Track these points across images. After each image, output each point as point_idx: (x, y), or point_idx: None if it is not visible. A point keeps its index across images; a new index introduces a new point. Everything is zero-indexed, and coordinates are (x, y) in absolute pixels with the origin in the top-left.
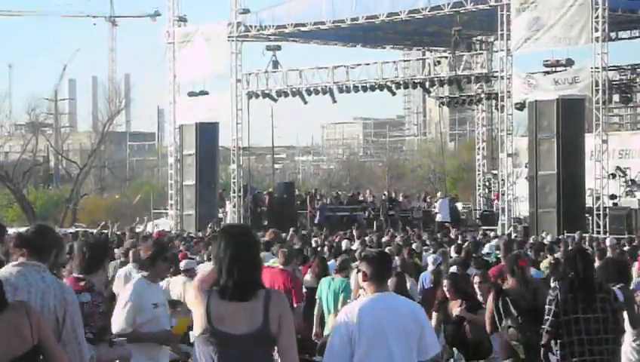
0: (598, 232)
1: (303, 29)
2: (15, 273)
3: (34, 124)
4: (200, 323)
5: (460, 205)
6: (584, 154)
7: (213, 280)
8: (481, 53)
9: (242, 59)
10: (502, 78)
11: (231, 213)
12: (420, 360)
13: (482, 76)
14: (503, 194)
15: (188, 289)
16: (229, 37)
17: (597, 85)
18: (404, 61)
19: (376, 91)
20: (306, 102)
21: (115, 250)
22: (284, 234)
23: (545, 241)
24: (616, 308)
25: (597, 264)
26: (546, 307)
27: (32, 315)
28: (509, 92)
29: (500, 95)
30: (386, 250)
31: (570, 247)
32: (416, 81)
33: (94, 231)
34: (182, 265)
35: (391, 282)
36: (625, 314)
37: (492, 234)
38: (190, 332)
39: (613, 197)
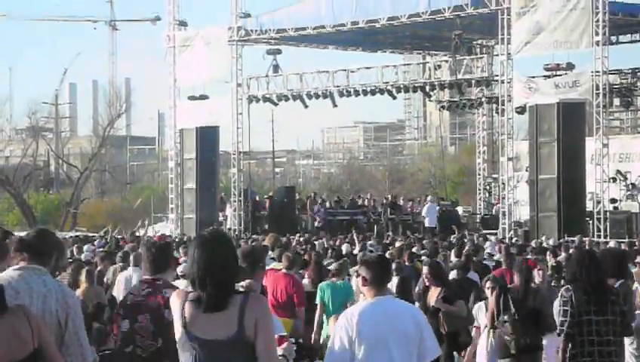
0: (599, 236)
1: (303, 33)
2: (16, 277)
3: (34, 128)
4: (177, 327)
5: (460, 209)
6: (585, 158)
7: None
8: (482, 57)
9: (243, 64)
10: (502, 81)
11: (231, 217)
12: None
13: (483, 80)
14: (503, 198)
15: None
16: (229, 41)
17: (597, 89)
18: (405, 65)
19: (377, 95)
20: (306, 106)
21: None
22: (284, 239)
23: (545, 245)
24: (625, 311)
25: None
26: (560, 308)
27: (32, 319)
28: (509, 96)
29: (500, 99)
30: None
31: (570, 250)
32: (416, 85)
33: (95, 234)
34: (179, 269)
35: (397, 284)
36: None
37: (493, 238)
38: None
39: (613, 201)
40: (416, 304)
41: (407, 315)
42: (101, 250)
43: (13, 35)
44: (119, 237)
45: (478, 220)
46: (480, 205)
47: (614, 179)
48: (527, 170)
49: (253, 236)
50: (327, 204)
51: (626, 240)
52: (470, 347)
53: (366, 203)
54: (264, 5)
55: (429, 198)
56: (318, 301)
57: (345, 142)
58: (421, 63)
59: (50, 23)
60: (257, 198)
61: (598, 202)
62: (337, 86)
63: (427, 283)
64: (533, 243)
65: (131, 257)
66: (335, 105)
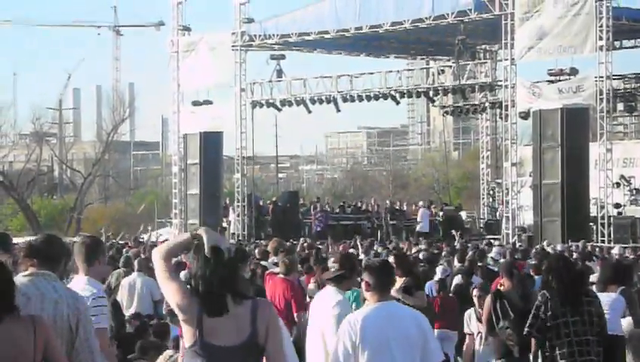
0: (603, 241)
1: (307, 38)
2: (26, 282)
3: (38, 134)
4: (190, 335)
5: (464, 214)
6: (588, 163)
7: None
8: (485, 62)
9: (246, 69)
10: (506, 87)
11: (235, 222)
12: None
13: (486, 85)
14: (507, 203)
15: (183, 294)
16: (233, 46)
17: (601, 94)
18: (408, 70)
19: (380, 100)
20: (310, 112)
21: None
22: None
23: (548, 250)
24: (601, 312)
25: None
26: (532, 311)
27: (40, 332)
28: (513, 101)
29: (504, 104)
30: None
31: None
32: (420, 90)
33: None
34: (182, 275)
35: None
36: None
37: (496, 243)
38: None
39: (617, 206)
40: None
41: (410, 320)
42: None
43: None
44: (122, 242)
45: (481, 225)
46: (483, 210)
47: (618, 184)
48: (530, 175)
49: (257, 241)
50: (329, 209)
51: (630, 245)
52: (465, 354)
53: (370, 208)
54: (268, 11)
55: (420, 203)
56: None
57: (348, 147)
58: (425, 68)
59: (54, 28)
60: (261, 203)
61: (602, 207)
62: (341, 91)
63: None
64: (537, 248)
65: (135, 262)
66: (338, 111)
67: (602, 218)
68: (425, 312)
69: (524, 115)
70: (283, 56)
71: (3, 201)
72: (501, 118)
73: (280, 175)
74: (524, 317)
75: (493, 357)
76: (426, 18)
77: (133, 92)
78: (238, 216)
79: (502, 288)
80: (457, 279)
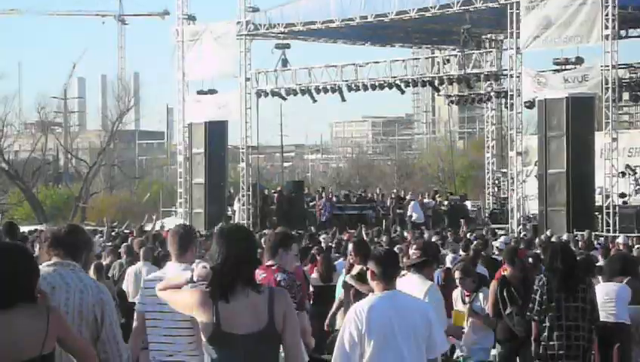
0: (608, 231)
1: (312, 27)
2: (51, 272)
3: (43, 123)
4: (207, 326)
5: (469, 203)
6: (594, 153)
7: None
8: (491, 52)
9: (251, 58)
10: (511, 76)
11: (240, 212)
12: (429, 358)
13: (492, 74)
14: (512, 193)
15: (193, 291)
16: (238, 35)
17: (607, 83)
18: (414, 59)
19: (385, 90)
20: (315, 101)
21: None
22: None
23: (553, 239)
24: (594, 300)
25: (601, 261)
26: (532, 296)
27: (53, 322)
28: (518, 90)
29: (509, 93)
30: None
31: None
32: (425, 79)
33: (104, 229)
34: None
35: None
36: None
37: (502, 232)
38: None
39: (622, 195)
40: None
41: (416, 309)
42: (109, 244)
43: (22, 30)
44: (128, 231)
45: (486, 215)
46: (489, 200)
47: (623, 174)
48: (536, 165)
49: (263, 231)
50: (334, 198)
51: (635, 234)
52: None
53: (375, 197)
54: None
55: (408, 197)
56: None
57: (353, 136)
58: (430, 58)
59: (58, 17)
60: (266, 193)
61: (607, 196)
62: (346, 80)
63: (352, 261)
64: (542, 237)
65: (141, 251)
66: (344, 100)
67: (607, 207)
68: None
69: (530, 105)
70: (288, 46)
71: (8, 190)
72: (506, 107)
73: (285, 164)
74: (526, 303)
75: (500, 340)
76: (432, 7)
77: (138, 81)
78: (243, 205)
79: (506, 273)
80: None
